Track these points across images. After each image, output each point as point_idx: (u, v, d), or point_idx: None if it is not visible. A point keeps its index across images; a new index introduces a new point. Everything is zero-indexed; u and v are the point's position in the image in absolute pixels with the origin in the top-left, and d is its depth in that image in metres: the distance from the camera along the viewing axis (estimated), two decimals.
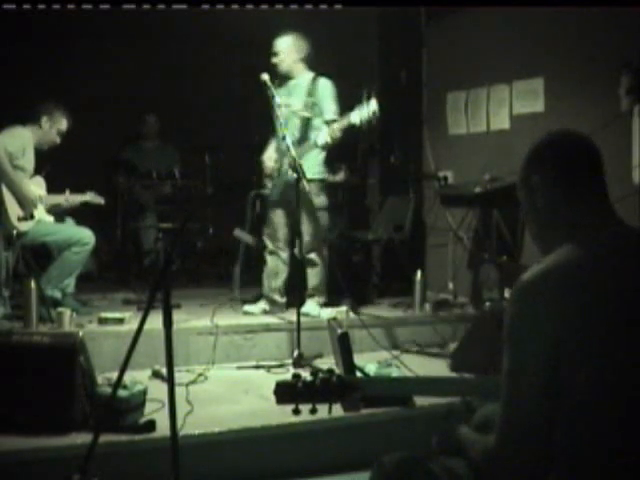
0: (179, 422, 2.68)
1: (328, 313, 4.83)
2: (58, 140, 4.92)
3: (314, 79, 4.99)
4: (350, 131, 4.78)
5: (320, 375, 1.67)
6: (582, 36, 4.99)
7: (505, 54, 5.67)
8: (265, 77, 4.64)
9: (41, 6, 4.66)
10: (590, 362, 1.51)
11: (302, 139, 4.90)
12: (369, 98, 4.67)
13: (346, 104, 4.93)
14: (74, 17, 5.46)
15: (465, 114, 6.10)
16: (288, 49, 4.97)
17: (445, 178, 5.98)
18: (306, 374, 1.70)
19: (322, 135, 4.76)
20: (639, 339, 1.53)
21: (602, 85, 4.72)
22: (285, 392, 1.66)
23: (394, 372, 3.93)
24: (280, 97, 4.93)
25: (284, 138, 4.69)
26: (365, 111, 4.62)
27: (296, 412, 1.64)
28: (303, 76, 5.02)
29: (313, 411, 1.65)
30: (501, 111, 5.78)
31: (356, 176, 6.40)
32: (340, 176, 6.13)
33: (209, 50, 6.82)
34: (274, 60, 4.95)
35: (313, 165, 4.96)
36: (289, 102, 4.91)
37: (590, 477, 1.51)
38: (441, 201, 5.83)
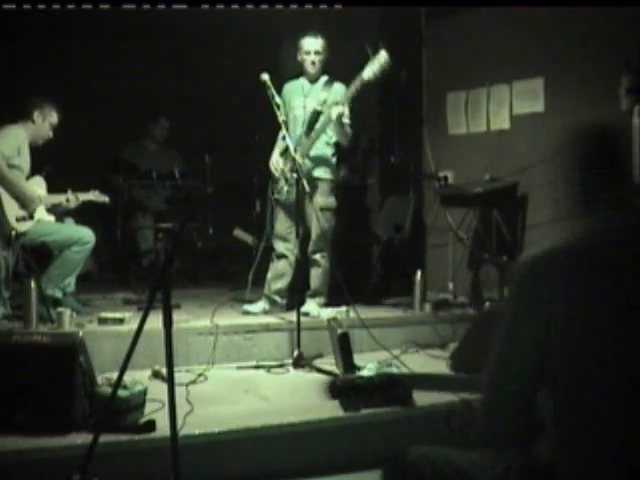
0: (179, 422, 2.68)
1: (328, 313, 4.82)
2: (51, 134, 4.91)
3: (328, 82, 5.01)
4: (367, 88, 4.73)
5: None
6: (582, 36, 4.99)
7: (505, 54, 5.67)
8: (265, 77, 4.64)
9: (41, 6, 4.66)
10: (588, 345, 1.55)
11: (309, 130, 4.89)
12: (377, 52, 4.67)
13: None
14: (74, 17, 5.45)
15: (465, 114, 6.10)
16: (325, 50, 4.98)
17: (445, 178, 5.97)
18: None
19: (335, 108, 4.68)
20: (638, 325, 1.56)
21: (602, 85, 4.72)
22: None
23: (394, 372, 3.92)
24: (295, 98, 4.94)
25: (284, 138, 4.70)
26: (376, 64, 4.62)
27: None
28: (321, 78, 5.04)
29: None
30: (501, 111, 5.78)
31: (356, 176, 6.40)
32: (340, 176, 6.13)
33: (209, 50, 6.82)
34: (314, 59, 4.94)
35: (325, 165, 4.97)
36: (306, 103, 4.95)
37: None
38: (441, 201, 5.84)
